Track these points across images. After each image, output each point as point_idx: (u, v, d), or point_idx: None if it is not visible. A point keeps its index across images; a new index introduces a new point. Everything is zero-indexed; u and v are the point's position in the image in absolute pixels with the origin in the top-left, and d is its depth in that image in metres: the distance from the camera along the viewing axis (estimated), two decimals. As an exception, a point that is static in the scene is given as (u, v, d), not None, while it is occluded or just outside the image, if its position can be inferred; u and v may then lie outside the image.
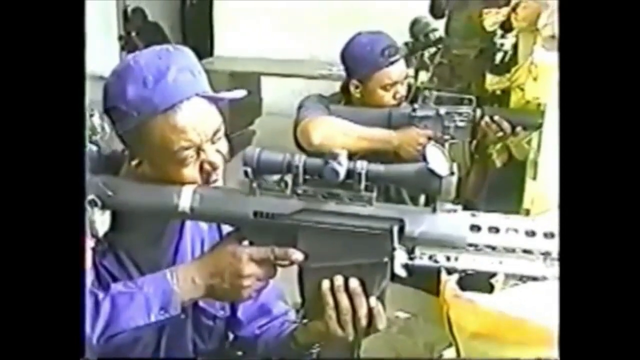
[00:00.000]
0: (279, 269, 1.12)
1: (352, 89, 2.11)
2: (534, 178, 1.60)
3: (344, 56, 2.12)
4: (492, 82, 2.26)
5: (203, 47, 5.70)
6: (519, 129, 2.04)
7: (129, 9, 6.40)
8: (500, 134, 2.03)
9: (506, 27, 2.44)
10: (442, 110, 2.06)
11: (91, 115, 2.17)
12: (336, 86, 2.29)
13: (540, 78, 1.62)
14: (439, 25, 3.22)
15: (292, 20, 5.51)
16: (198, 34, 6.24)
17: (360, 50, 2.07)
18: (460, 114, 2.07)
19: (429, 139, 1.99)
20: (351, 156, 1.04)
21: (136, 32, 6.19)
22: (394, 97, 2.08)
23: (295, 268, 1.10)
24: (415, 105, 2.08)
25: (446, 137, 2.06)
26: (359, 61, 2.07)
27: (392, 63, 2.05)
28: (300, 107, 2.08)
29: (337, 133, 1.96)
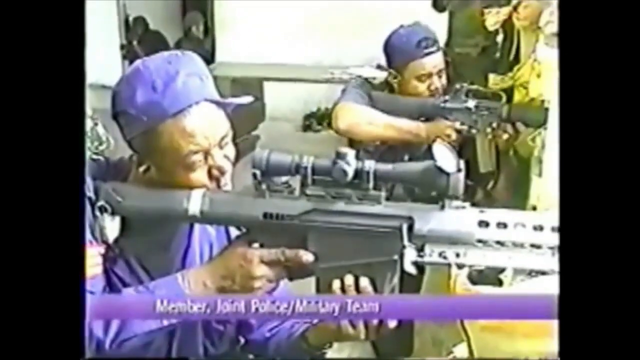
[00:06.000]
0: None
1: (390, 78, 2.20)
2: (540, 175, 1.61)
3: (385, 46, 2.21)
4: (495, 81, 2.26)
5: (204, 53, 5.73)
6: (522, 127, 2.04)
7: (130, 18, 6.41)
8: (506, 136, 2.05)
9: (508, 26, 2.44)
10: (471, 103, 2.09)
11: (95, 124, 2.15)
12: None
13: (543, 75, 1.62)
14: (442, 22, 3.18)
15: (294, 25, 5.51)
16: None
17: (398, 40, 2.17)
18: (488, 108, 2.08)
19: (457, 131, 2.04)
20: (358, 152, 1.04)
21: (138, 41, 6.20)
22: (428, 88, 2.15)
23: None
24: (447, 97, 2.12)
25: (473, 131, 2.08)
26: (396, 51, 2.17)
27: (427, 54, 2.12)
28: (343, 90, 2.21)
29: (363, 122, 2.08)
